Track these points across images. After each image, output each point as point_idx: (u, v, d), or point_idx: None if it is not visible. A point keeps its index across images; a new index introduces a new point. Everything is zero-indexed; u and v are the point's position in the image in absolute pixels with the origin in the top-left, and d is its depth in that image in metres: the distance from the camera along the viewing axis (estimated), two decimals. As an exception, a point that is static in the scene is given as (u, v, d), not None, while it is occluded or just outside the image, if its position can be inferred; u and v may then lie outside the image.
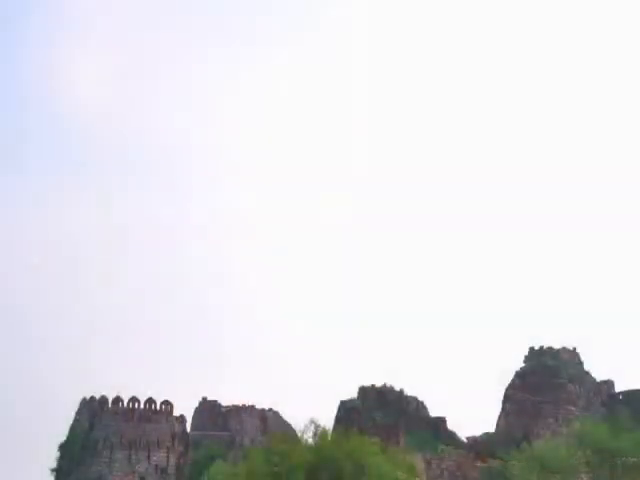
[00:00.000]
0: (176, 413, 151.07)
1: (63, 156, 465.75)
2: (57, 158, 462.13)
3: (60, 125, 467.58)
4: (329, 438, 49.88)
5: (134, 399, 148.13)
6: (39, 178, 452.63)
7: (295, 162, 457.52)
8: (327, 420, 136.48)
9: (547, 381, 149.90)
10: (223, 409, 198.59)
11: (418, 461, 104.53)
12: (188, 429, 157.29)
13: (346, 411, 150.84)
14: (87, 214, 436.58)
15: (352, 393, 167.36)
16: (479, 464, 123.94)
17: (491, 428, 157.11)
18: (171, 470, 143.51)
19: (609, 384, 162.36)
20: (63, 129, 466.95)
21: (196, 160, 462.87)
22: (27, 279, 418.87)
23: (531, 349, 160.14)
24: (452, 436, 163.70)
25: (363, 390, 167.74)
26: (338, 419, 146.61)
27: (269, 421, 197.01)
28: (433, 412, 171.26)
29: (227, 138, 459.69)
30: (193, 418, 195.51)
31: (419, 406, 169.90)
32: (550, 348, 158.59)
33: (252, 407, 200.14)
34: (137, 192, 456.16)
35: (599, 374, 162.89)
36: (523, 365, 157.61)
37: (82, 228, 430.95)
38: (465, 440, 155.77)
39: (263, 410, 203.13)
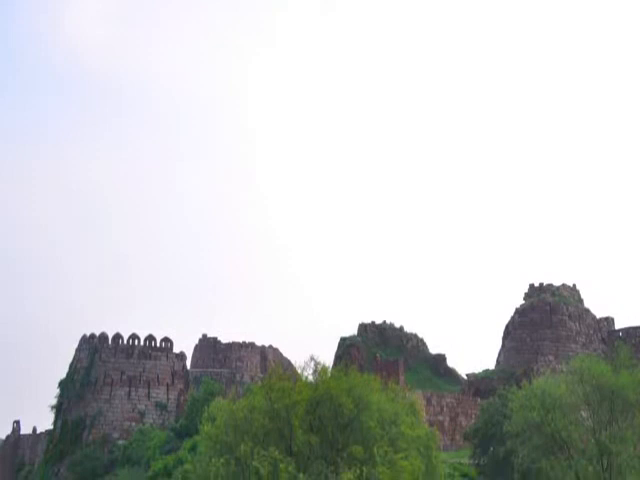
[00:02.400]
0: (176, 350, 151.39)
1: (63, 95, 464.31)
2: (55, 96, 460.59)
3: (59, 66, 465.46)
4: (329, 375, 49.36)
5: (134, 336, 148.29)
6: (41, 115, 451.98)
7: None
8: (327, 357, 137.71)
9: (547, 318, 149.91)
10: (223, 346, 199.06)
11: (418, 398, 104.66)
12: (188, 366, 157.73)
13: (346, 348, 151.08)
14: (90, 156, 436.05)
15: (352, 330, 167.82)
16: (478, 401, 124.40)
17: (491, 365, 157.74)
18: (171, 407, 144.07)
19: (609, 321, 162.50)
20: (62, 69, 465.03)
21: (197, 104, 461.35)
22: (29, 217, 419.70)
23: (531, 286, 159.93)
24: (452, 373, 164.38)
25: (363, 327, 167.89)
26: (338, 356, 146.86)
27: (269, 358, 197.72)
28: (433, 349, 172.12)
29: (228, 82, 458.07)
30: (193, 355, 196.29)
31: (419, 343, 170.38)
32: (550, 285, 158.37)
33: (252, 344, 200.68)
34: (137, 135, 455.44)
35: (599, 311, 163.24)
36: (523, 302, 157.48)
37: (87, 169, 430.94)
38: (465, 377, 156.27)
39: (263, 347, 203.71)
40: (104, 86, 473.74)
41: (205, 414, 48.37)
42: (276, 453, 42.53)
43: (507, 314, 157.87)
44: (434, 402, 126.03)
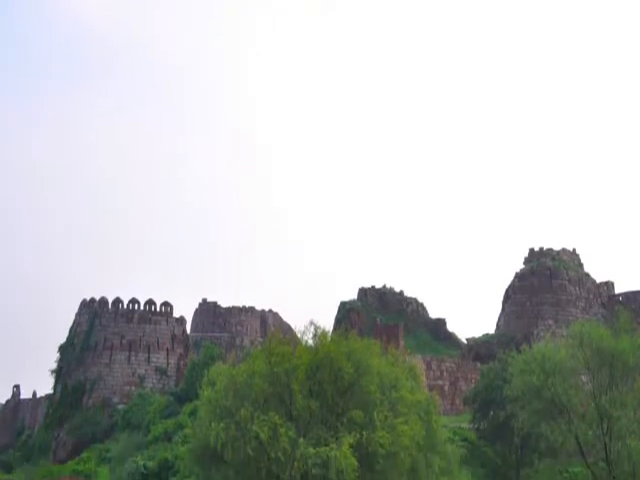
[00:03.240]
0: (176, 314, 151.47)
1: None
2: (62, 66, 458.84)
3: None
4: (329, 339, 49.24)
5: (134, 300, 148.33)
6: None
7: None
8: (327, 321, 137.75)
9: (547, 282, 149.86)
10: (223, 310, 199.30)
11: (418, 362, 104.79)
12: (188, 330, 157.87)
13: (346, 312, 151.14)
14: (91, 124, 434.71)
15: (352, 294, 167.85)
16: (478, 365, 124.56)
17: (491, 329, 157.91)
18: (171, 371, 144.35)
19: (609, 285, 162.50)
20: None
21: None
22: (29, 180, 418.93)
23: (531, 250, 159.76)
24: (452, 337, 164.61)
25: (363, 291, 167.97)
26: (338, 320, 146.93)
27: (269, 322, 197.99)
28: (433, 313, 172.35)
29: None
30: (193, 319, 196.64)
31: (419, 307, 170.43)
32: (550, 249, 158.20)
33: (252, 308, 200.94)
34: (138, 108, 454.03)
35: (599, 275, 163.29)
36: (523, 267, 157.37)
37: (88, 132, 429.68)
38: (465, 341, 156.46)
39: (263, 311, 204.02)
40: (106, 49, 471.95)
41: (205, 378, 48.30)
42: (276, 417, 42.51)
43: (507, 278, 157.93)
44: (434, 366, 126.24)
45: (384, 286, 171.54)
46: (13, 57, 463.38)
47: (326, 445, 41.10)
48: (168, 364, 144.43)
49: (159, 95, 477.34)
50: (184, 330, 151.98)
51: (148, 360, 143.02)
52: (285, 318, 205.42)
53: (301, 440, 41.64)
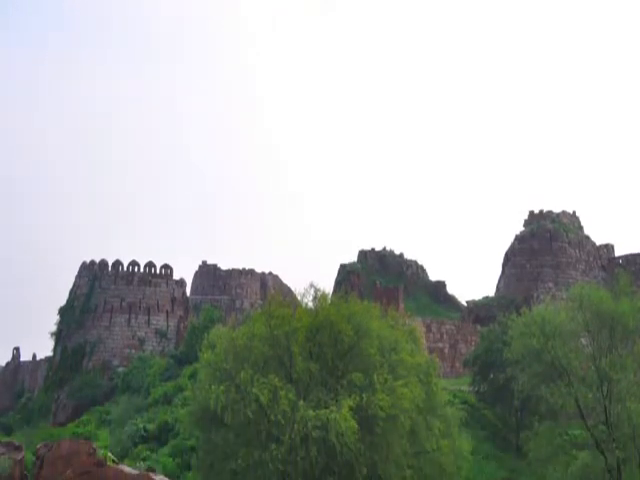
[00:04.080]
0: (176, 277, 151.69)
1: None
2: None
3: None
4: (329, 302, 49.13)
5: (134, 263, 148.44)
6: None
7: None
8: (327, 284, 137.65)
9: (547, 245, 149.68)
10: (223, 273, 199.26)
11: (418, 325, 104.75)
12: (188, 293, 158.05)
13: (346, 275, 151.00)
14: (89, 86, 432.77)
15: (352, 257, 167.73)
16: (478, 328, 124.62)
17: (491, 292, 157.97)
18: (170, 334, 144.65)
19: (609, 248, 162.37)
20: None
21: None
22: (29, 142, 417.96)
23: (531, 213, 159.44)
24: (452, 300, 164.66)
25: (363, 254, 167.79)
26: (338, 283, 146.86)
27: (269, 285, 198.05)
28: (433, 276, 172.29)
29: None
30: (193, 282, 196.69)
31: (419, 270, 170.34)
32: (550, 212, 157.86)
33: (252, 271, 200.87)
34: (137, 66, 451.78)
35: (599, 238, 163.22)
36: (522, 229, 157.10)
37: (88, 92, 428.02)
38: (464, 304, 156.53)
39: (263, 274, 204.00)
40: (105, 10, 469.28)
41: (205, 341, 48.22)
42: (276, 380, 42.48)
43: (507, 241, 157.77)
44: (434, 329, 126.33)
45: (384, 249, 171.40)
46: (14, 16, 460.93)
47: (326, 408, 41.09)
48: (168, 327, 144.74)
49: (158, 50, 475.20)
50: (184, 293, 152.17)
51: (148, 323, 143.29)
52: (285, 281, 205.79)
53: (301, 403, 41.63)
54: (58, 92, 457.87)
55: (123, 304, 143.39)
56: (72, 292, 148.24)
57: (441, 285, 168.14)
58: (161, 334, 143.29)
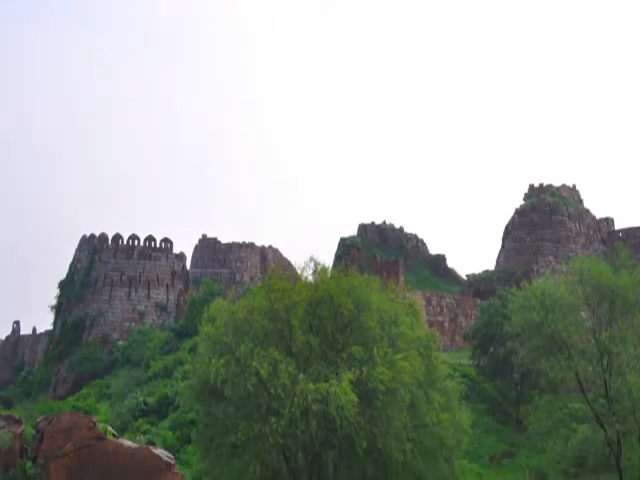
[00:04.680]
0: (176, 250, 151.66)
1: None
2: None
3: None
4: (329, 275, 49.00)
5: (134, 237, 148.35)
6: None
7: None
8: (327, 257, 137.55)
9: (547, 219, 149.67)
10: (223, 246, 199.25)
11: (418, 298, 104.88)
12: (188, 266, 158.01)
13: (346, 248, 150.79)
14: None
15: (352, 230, 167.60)
16: (478, 301, 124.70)
17: (491, 265, 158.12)
18: (170, 307, 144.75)
19: (609, 221, 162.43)
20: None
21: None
22: (29, 117, 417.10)
23: (531, 186, 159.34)
24: (452, 273, 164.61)
25: (363, 227, 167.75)
26: (338, 256, 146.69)
27: (269, 258, 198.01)
28: (433, 250, 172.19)
29: None
30: (193, 255, 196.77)
31: (419, 243, 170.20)
32: (550, 186, 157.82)
33: (252, 244, 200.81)
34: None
35: (599, 211, 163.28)
36: (523, 203, 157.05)
37: (87, 70, 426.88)
38: (464, 277, 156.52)
39: (263, 247, 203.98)
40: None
41: (205, 315, 48.07)
42: (276, 354, 42.40)
43: (507, 215, 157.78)
44: (434, 303, 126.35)
45: (384, 222, 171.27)
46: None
47: (326, 381, 41.02)
48: (168, 300, 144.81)
49: (158, 34, 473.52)
50: (184, 266, 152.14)
51: (148, 296, 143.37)
52: (285, 254, 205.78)
53: (301, 376, 41.56)
54: (54, 71, 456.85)
55: (123, 278, 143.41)
56: (72, 266, 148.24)
57: (441, 259, 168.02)
58: (161, 307, 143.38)
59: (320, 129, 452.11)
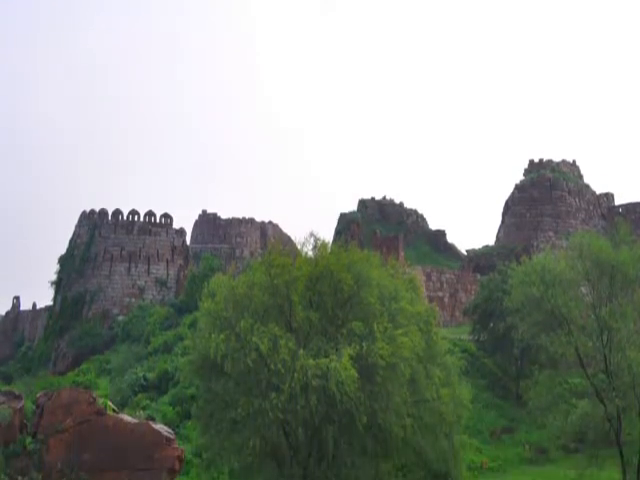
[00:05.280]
0: (176, 226, 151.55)
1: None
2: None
3: None
4: (329, 251, 48.91)
5: (134, 212, 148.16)
6: None
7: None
8: (327, 233, 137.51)
9: (547, 194, 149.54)
10: (223, 222, 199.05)
11: (418, 274, 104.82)
12: (188, 242, 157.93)
13: (346, 224, 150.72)
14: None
15: (352, 206, 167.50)
16: (478, 277, 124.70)
17: (491, 241, 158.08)
18: (170, 283, 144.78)
19: (609, 197, 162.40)
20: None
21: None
22: (28, 92, 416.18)
23: (531, 162, 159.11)
24: (451, 249, 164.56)
25: (363, 203, 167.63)
26: (338, 232, 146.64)
27: (269, 234, 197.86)
28: (433, 225, 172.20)
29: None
30: (193, 231, 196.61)
31: (419, 219, 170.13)
32: (550, 161, 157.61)
33: (252, 220, 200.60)
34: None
35: (599, 187, 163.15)
36: (522, 178, 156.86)
37: (86, 41, 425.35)
38: (465, 253, 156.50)
39: (263, 223, 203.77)
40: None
41: (205, 290, 47.98)
42: (276, 329, 42.37)
43: (507, 190, 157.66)
44: (434, 278, 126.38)
45: (384, 197, 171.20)
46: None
47: (326, 356, 40.99)
48: (168, 275, 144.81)
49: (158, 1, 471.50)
50: (184, 241, 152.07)
51: (148, 271, 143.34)
52: (285, 230, 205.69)
53: (301, 351, 41.53)
54: (54, 41, 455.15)
55: (123, 253, 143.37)
56: (72, 241, 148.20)
57: (441, 234, 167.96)
58: (161, 283, 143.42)
59: (320, 100, 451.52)
